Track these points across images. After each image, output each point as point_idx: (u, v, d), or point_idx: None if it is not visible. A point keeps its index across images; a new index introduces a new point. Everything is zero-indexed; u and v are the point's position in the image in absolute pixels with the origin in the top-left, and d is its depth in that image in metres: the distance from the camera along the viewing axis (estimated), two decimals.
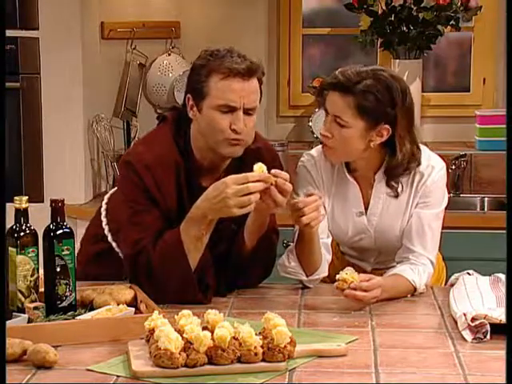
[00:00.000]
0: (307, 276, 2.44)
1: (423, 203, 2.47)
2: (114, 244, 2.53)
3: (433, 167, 2.47)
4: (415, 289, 2.40)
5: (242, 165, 2.37)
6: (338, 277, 2.28)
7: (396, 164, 2.42)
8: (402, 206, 2.48)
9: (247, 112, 2.31)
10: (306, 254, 2.41)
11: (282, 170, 2.29)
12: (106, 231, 2.55)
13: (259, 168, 2.23)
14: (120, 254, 2.50)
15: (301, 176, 2.54)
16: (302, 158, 2.57)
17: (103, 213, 2.59)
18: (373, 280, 2.28)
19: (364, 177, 2.49)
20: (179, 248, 2.29)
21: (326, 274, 2.47)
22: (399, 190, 2.46)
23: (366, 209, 2.50)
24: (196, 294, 2.30)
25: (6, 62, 2.80)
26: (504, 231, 3.56)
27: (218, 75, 2.28)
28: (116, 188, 2.54)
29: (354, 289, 2.25)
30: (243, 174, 2.21)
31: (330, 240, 2.52)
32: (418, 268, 2.42)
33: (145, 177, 2.33)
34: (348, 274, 2.28)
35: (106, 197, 2.65)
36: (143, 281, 2.30)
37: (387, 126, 2.38)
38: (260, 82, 2.34)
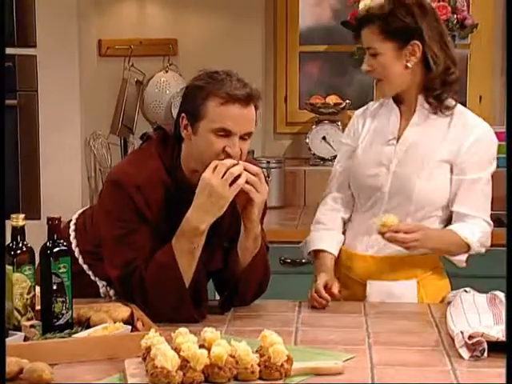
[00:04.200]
0: None
1: (473, 167, 2.51)
2: (85, 266, 2.51)
3: (478, 123, 2.56)
4: (468, 246, 2.46)
5: None
6: (376, 221, 2.37)
7: (433, 76, 2.50)
8: (436, 144, 2.52)
9: (242, 137, 2.31)
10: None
11: (267, 183, 2.34)
12: (77, 253, 2.51)
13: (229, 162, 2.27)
14: (92, 277, 2.50)
15: (348, 126, 2.73)
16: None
17: (72, 234, 2.56)
18: (413, 223, 2.38)
19: (408, 105, 2.56)
20: (173, 266, 2.28)
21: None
22: (441, 107, 2.52)
23: (399, 139, 2.57)
24: (191, 313, 2.29)
25: (5, 79, 2.80)
26: (502, 248, 3.57)
27: (218, 99, 2.28)
28: (96, 207, 2.49)
29: (394, 232, 2.33)
30: (218, 163, 2.24)
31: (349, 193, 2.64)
32: (472, 226, 2.48)
33: (136, 197, 2.32)
34: (389, 218, 2.34)
35: (74, 217, 2.62)
36: (137, 301, 2.29)
37: (417, 42, 2.48)
38: (256, 108, 2.34)
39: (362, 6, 3.92)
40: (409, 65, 2.50)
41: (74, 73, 3.72)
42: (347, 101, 4.22)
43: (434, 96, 2.53)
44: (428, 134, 2.55)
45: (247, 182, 2.27)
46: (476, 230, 2.50)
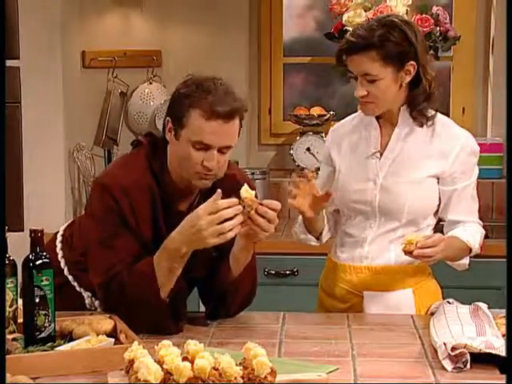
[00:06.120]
0: (317, 240, 2.65)
1: (461, 175, 2.54)
2: (70, 277, 2.51)
3: (460, 134, 2.59)
4: (470, 250, 2.52)
5: (218, 189, 2.37)
6: (402, 240, 2.39)
7: (421, 92, 2.52)
8: (420, 155, 2.55)
9: (221, 150, 2.31)
10: (312, 225, 2.62)
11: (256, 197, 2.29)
12: (63, 264, 2.51)
13: (245, 191, 2.23)
14: (77, 288, 2.50)
15: (326, 143, 2.75)
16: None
17: (58, 245, 2.56)
18: (435, 236, 2.41)
19: (388, 118, 2.58)
20: (151, 278, 2.27)
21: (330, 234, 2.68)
22: (423, 120, 2.55)
23: (383, 153, 2.57)
24: (167, 325, 2.29)
25: (5, 89, 2.78)
26: (484, 259, 3.59)
27: (200, 112, 2.27)
28: (84, 214, 2.50)
29: (421, 248, 2.35)
30: (213, 203, 2.20)
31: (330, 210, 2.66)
32: (470, 229, 2.54)
33: (121, 201, 2.32)
34: (412, 236, 2.37)
35: (62, 229, 2.62)
36: (116, 308, 2.28)
37: (412, 62, 2.50)
38: (241, 118, 2.33)
39: (345, 18, 3.94)
40: (403, 84, 2.52)
41: (58, 84, 3.71)
42: (331, 112, 4.23)
43: (418, 110, 2.55)
44: (412, 145, 2.57)
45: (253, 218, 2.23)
46: (474, 232, 2.56)
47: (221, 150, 2.31)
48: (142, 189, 2.35)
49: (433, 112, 2.58)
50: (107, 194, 2.33)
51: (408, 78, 2.52)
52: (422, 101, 2.54)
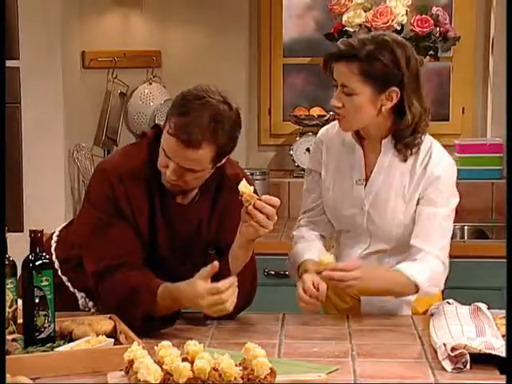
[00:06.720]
0: None
1: (432, 200, 2.43)
2: (64, 278, 2.51)
3: (442, 159, 2.47)
4: (417, 286, 2.36)
5: (220, 187, 2.40)
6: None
7: (406, 125, 2.41)
8: (404, 184, 2.46)
9: (188, 169, 2.27)
10: None
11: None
12: (57, 265, 2.51)
13: (244, 186, 2.23)
14: (71, 289, 2.51)
15: (312, 151, 2.65)
16: (317, 135, 2.64)
17: (53, 245, 2.56)
18: (350, 261, 2.30)
19: (372, 144, 2.49)
20: (152, 299, 2.27)
21: None
22: (408, 154, 2.45)
23: (368, 179, 2.50)
24: (160, 327, 2.30)
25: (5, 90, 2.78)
26: (484, 260, 3.60)
27: (169, 126, 2.26)
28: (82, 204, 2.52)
29: (331, 270, 2.27)
30: (214, 285, 2.22)
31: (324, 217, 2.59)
32: (421, 264, 2.38)
33: (117, 187, 2.34)
34: (325, 256, 2.31)
35: (58, 229, 2.63)
36: (105, 301, 2.31)
37: (396, 89, 2.38)
38: (218, 149, 2.25)
39: (345, 18, 3.94)
40: (383, 110, 2.40)
41: (58, 85, 3.71)
42: (331, 113, 4.23)
43: (404, 143, 2.45)
44: (396, 174, 2.48)
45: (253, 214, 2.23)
46: (426, 268, 2.39)
47: (184, 168, 2.28)
48: (139, 178, 2.36)
49: (420, 140, 2.45)
50: (104, 180, 2.35)
51: (389, 104, 2.40)
52: (409, 135, 2.43)
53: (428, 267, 2.39)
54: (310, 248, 2.56)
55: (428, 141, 2.49)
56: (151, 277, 2.33)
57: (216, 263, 2.24)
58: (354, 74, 2.38)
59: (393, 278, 2.38)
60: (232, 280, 2.25)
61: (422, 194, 2.45)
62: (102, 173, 2.38)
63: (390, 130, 2.46)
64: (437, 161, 2.46)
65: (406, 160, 2.46)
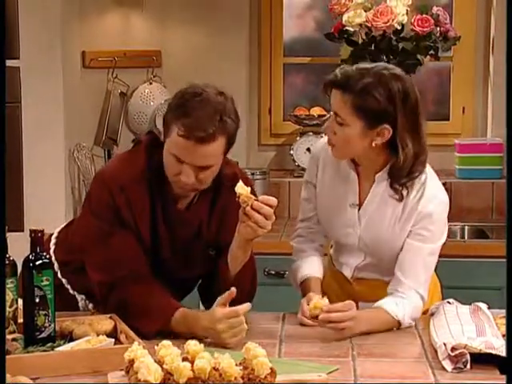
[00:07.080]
0: None
1: (420, 235, 2.41)
2: (64, 280, 2.51)
3: (436, 195, 2.42)
4: (399, 323, 2.36)
5: (218, 187, 2.39)
6: (310, 305, 2.29)
7: (399, 166, 2.36)
8: (396, 213, 2.42)
9: (201, 167, 2.28)
10: None
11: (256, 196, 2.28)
12: (56, 267, 2.50)
13: (240, 188, 2.23)
14: (70, 291, 2.51)
15: (309, 164, 2.60)
16: (315, 145, 2.58)
17: (52, 247, 2.56)
18: (345, 302, 2.28)
19: (366, 173, 2.45)
20: (166, 323, 2.27)
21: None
22: (404, 193, 2.40)
23: (361, 204, 2.47)
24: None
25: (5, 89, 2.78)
26: (484, 259, 3.60)
27: (178, 129, 2.25)
28: (82, 207, 2.51)
29: (328, 312, 2.24)
30: (233, 309, 2.21)
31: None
32: (403, 301, 2.37)
33: (118, 197, 2.33)
34: (318, 299, 2.29)
35: (57, 231, 2.63)
36: (114, 310, 2.29)
37: (388, 126, 2.32)
38: (229, 137, 2.27)
39: (345, 18, 3.94)
40: (373, 144, 2.35)
41: (58, 84, 3.71)
42: (331, 112, 4.22)
43: (400, 183, 2.39)
44: (388, 204, 2.44)
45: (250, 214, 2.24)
46: (407, 305, 2.37)
47: (201, 167, 2.28)
48: (140, 185, 2.35)
49: (416, 178, 2.39)
50: (104, 190, 2.34)
51: (380, 140, 2.34)
52: (405, 175, 2.37)
53: (409, 304, 2.38)
54: (311, 264, 2.57)
55: (423, 173, 2.42)
56: (168, 299, 2.31)
57: (233, 289, 2.24)
58: (346, 106, 2.33)
59: (379, 319, 2.35)
60: (249, 305, 2.25)
61: (413, 227, 2.42)
62: (102, 182, 2.37)
63: (384, 164, 2.41)
64: (430, 197, 2.41)
65: (401, 200, 2.41)
